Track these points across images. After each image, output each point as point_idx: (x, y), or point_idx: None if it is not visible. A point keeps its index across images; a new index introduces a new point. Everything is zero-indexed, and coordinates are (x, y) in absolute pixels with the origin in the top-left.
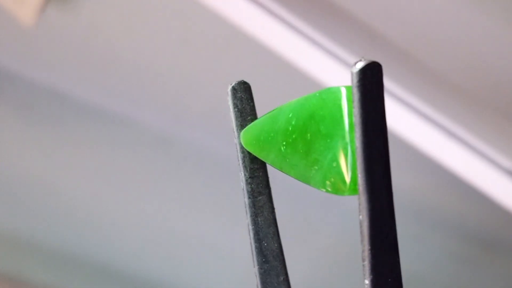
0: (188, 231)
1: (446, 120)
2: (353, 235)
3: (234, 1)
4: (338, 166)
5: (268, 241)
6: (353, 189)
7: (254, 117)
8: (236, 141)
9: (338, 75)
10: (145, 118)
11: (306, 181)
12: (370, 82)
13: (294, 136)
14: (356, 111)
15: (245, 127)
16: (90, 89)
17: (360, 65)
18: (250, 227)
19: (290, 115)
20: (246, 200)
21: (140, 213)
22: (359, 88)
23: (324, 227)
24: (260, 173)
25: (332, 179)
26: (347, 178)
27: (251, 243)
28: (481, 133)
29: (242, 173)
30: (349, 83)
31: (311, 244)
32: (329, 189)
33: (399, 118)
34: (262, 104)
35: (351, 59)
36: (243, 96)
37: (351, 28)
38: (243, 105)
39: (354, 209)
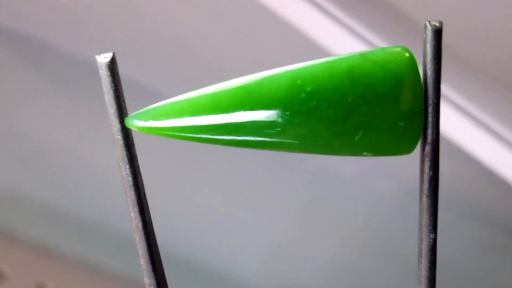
0: (209, 204)
1: (476, 109)
2: (380, 218)
3: None
4: (410, 125)
5: (151, 228)
6: (414, 146)
7: (123, 97)
8: (117, 127)
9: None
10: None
11: (333, 150)
12: (441, 41)
13: (313, 103)
14: (433, 68)
15: (123, 112)
16: (127, 63)
17: (437, 24)
18: (142, 230)
19: (298, 82)
20: (135, 199)
21: (167, 189)
22: (437, 47)
23: (350, 212)
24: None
25: (396, 140)
26: (418, 136)
27: (145, 251)
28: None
29: (129, 166)
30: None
31: (337, 228)
32: (381, 152)
33: None
34: None
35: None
36: (117, 71)
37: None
38: (120, 83)
39: (381, 191)
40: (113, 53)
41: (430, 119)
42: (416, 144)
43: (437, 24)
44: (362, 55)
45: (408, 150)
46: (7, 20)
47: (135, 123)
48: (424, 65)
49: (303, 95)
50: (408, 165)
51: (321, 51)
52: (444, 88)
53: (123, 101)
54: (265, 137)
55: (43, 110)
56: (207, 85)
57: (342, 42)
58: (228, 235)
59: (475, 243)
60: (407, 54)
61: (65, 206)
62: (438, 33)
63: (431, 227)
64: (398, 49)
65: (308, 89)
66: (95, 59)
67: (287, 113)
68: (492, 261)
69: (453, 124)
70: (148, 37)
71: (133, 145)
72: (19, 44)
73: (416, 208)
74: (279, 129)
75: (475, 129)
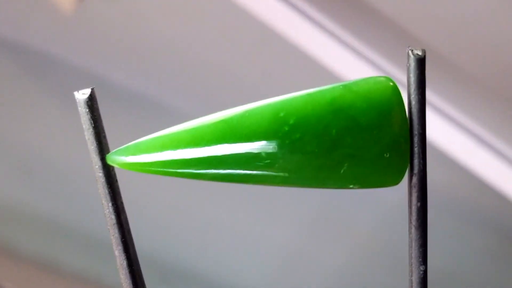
0: (215, 216)
1: (478, 126)
2: (388, 228)
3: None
4: (396, 155)
5: (137, 266)
6: (400, 177)
7: (104, 133)
8: (99, 164)
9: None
10: (185, 104)
11: (319, 183)
12: (424, 70)
13: (297, 136)
14: (417, 98)
15: (104, 148)
16: (130, 74)
17: (420, 53)
18: (127, 269)
19: (281, 114)
20: (119, 237)
21: (173, 201)
22: (421, 76)
23: (358, 222)
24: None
25: (382, 171)
26: (404, 167)
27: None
28: None
29: (111, 204)
30: (362, 74)
31: (345, 238)
32: (368, 184)
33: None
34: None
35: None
36: (97, 107)
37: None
38: (100, 119)
39: (389, 202)
40: (92, 88)
41: (416, 149)
42: (403, 175)
43: (420, 53)
44: (345, 86)
45: (395, 181)
46: (9, 31)
47: (116, 159)
48: (408, 95)
49: (286, 128)
50: None
51: (314, 64)
52: (450, 108)
53: (104, 137)
54: (248, 170)
55: (45, 123)
56: (208, 95)
57: (346, 62)
58: (235, 246)
59: (483, 252)
60: (390, 84)
61: (68, 222)
62: (421, 62)
63: (420, 259)
64: (381, 79)
65: (291, 121)
66: (97, 70)
67: (271, 146)
68: (500, 269)
69: (456, 139)
70: (149, 47)
71: (116, 181)
72: (21, 56)
73: None
74: (262, 162)
75: (479, 146)
